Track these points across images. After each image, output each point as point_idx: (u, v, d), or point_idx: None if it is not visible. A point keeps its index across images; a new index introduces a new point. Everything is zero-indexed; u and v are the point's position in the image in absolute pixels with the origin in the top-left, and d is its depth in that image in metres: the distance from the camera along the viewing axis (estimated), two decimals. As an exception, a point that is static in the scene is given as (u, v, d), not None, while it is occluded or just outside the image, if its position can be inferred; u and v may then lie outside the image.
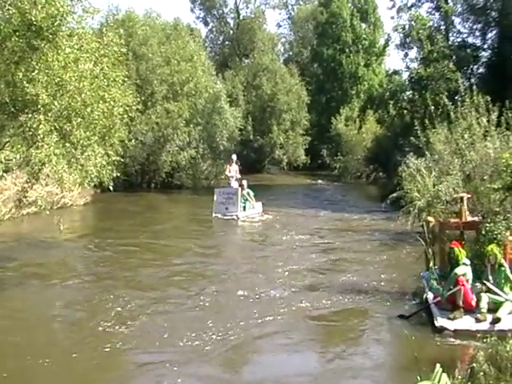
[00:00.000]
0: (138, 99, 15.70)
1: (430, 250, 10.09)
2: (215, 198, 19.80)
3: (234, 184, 20.68)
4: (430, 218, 10.31)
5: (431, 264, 9.91)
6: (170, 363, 7.09)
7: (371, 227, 18.60)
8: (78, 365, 7.13)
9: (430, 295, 9.31)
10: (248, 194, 20.49)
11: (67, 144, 9.77)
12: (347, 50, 46.82)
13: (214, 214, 19.43)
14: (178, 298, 9.88)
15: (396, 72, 30.87)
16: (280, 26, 55.88)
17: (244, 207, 20.13)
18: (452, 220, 10.26)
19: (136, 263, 12.23)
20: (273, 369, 7.36)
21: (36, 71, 9.27)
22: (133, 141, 23.87)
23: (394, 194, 13.37)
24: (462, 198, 10.17)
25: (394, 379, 7.31)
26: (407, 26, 27.07)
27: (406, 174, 12.29)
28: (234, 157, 21.67)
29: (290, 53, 55.15)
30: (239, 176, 21.12)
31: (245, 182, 20.74)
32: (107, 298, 9.71)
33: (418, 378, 4.64)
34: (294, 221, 19.25)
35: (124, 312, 9.02)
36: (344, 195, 29.59)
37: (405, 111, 27.93)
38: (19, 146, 9.62)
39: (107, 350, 7.53)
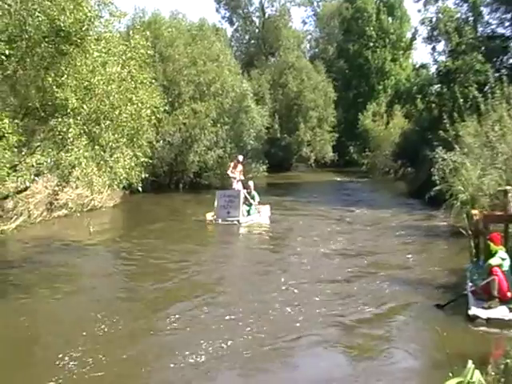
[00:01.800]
0: (166, 100, 15.82)
1: (472, 243, 10.10)
2: (216, 201, 18.25)
3: (237, 186, 19.39)
4: (474, 211, 10.28)
5: (472, 256, 9.95)
6: (202, 367, 7.12)
7: (402, 223, 18.47)
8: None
9: (468, 286, 9.31)
10: (253, 197, 18.87)
11: (96, 147, 9.90)
12: (373, 45, 46.54)
13: (214, 219, 17.92)
14: (201, 303, 9.71)
15: (423, 66, 30.64)
16: (305, 23, 56.06)
17: (248, 211, 18.54)
18: (496, 213, 10.19)
19: (159, 268, 12.05)
20: (307, 371, 7.31)
21: (65, 76, 9.42)
22: (161, 142, 24.10)
23: (438, 187, 13.37)
24: (505, 191, 10.08)
25: (426, 375, 7.26)
26: (434, 19, 26.77)
27: (449, 167, 12.22)
28: (241, 157, 20.34)
29: (316, 50, 54.95)
30: (243, 178, 19.80)
31: (251, 184, 19.25)
32: (134, 300, 9.84)
33: (450, 374, 4.59)
34: (315, 222, 18.51)
35: (153, 316, 9.09)
36: (372, 191, 29.44)
37: (433, 105, 27.60)
38: (50, 150, 9.76)
39: (137, 352, 7.63)
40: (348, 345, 8.00)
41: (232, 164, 20.12)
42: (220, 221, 17.63)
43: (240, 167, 19.70)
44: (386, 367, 7.39)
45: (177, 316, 8.81)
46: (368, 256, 13.31)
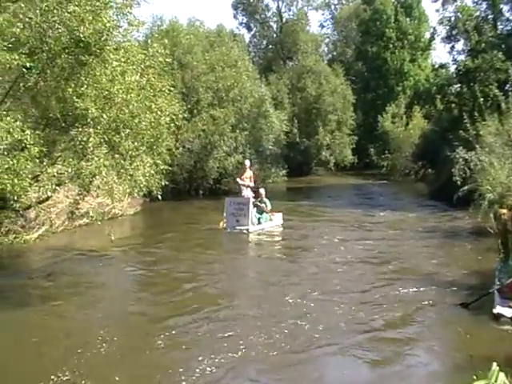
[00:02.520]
0: (184, 107, 15.95)
1: (500, 242, 10.06)
2: (225, 208, 17.62)
3: (247, 193, 18.53)
4: (503, 210, 10.25)
5: (501, 255, 9.91)
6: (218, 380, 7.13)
7: (424, 225, 18.39)
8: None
9: (495, 285, 9.29)
10: (265, 204, 18.23)
11: (116, 155, 10.01)
12: (392, 47, 46.30)
13: (223, 227, 17.36)
14: (213, 315, 9.49)
15: (442, 65, 30.43)
16: (323, 27, 55.55)
17: (259, 219, 17.91)
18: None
19: (170, 279, 11.87)
20: (329, 381, 7.33)
21: (85, 86, 9.54)
22: (180, 149, 24.17)
23: (466, 188, 13.34)
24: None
25: (449, 379, 7.19)
26: (453, 18, 26.64)
27: (476, 167, 12.20)
28: (248, 162, 19.47)
29: (334, 53, 54.81)
30: (252, 184, 18.83)
31: (262, 191, 18.57)
32: (145, 313, 9.88)
33: (474, 377, 4.56)
34: (333, 228, 17.99)
35: (173, 324, 9.10)
36: (392, 193, 29.31)
37: (453, 105, 27.46)
38: (70, 160, 9.86)
39: (162, 356, 7.68)
40: (370, 349, 7.93)
41: (241, 172, 19.36)
42: (229, 229, 17.10)
43: (249, 173, 18.90)
44: (409, 371, 7.36)
45: (188, 329, 8.64)
46: (390, 261, 13.16)
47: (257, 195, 18.36)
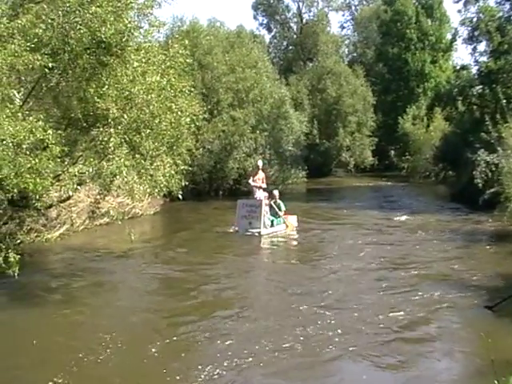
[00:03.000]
0: (205, 108, 15.95)
1: None
2: (237, 211, 17.25)
3: (259, 194, 17.87)
4: None
5: None
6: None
7: (445, 227, 18.20)
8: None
9: None
10: (279, 206, 17.72)
11: (137, 155, 10.06)
12: (413, 48, 45.96)
13: (235, 230, 16.99)
14: (227, 319, 9.45)
15: (464, 67, 30.03)
16: (343, 28, 55.44)
17: (272, 222, 17.35)
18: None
19: (183, 282, 11.76)
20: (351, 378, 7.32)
21: (106, 86, 9.61)
22: (200, 149, 24.21)
23: (492, 190, 13.25)
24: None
25: (470, 383, 7.14)
26: (475, 19, 26.32)
27: (505, 170, 12.12)
28: (260, 163, 18.78)
29: (355, 54, 54.63)
30: (265, 185, 18.17)
31: (276, 193, 18.12)
32: (175, 307, 9.94)
33: (496, 382, 4.51)
34: (351, 231, 17.55)
35: (187, 327, 9.12)
36: (412, 196, 29.09)
37: (474, 107, 27.18)
38: (91, 160, 9.91)
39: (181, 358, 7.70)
40: (390, 353, 7.87)
41: (253, 174, 18.66)
42: (241, 232, 16.69)
43: (261, 174, 18.25)
44: (429, 375, 7.30)
45: (203, 333, 8.59)
46: (410, 264, 12.99)
47: (270, 197, 17.88)
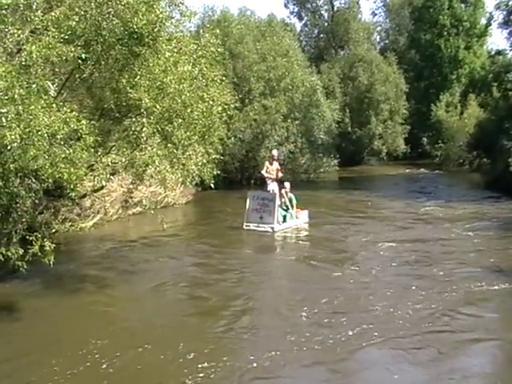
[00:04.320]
0: (236, 97, 15.95)
1: None
2: (248, 203, 16.09)
3: (273, 186, 16.70)
4: None
5: None
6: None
7: (481, 216, 17.98)
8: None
9: None
10: (290, 200, 16.60)
11: (169, 145, 10.12)
12: (446, 34, 45.27)
13: (245, 224, 15.90)
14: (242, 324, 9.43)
15: (499, 52, 29.56)
16: (375, 15, 54.58)
17: (284, 217, 16.32)
18: None
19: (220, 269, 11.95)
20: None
21: (138, 76, 9.67)
22: (232, 138, 24.25)
23: None
24: None
25: (506, 375, 7.07)
26: (511, 3, 25.79)
27: None
28: (275, 152, 17.90)
29: (386, 41, 53.88)
30: (280, 175, 17.09)
31: (287, 185, 16.82)
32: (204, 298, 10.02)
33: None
34: (379, 225, 16.61)
35: (227, 316, 9.21)
36: (446, 184, 28.77)
37: (510, 92, 26.68)
38: (124, 149, 10.02)
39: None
40: (422, 349, 7.80)
41: (267, 162, 17.44)
42: (251, 226, 15.75)
43: (276, 164, 17.10)
44: (460, 365, 7.25)
45: (223, 333, 8.47)
46: (445, 255, 12.77)
47: (280, 189, 16.67)
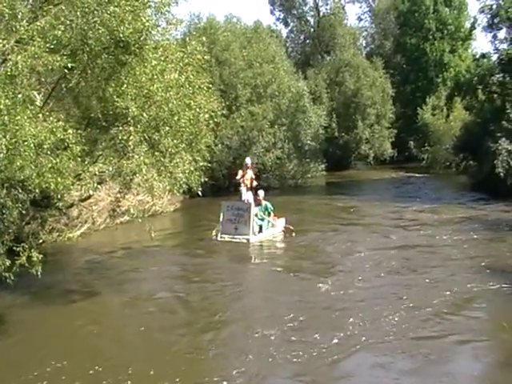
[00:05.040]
0: (223, 104, 15.90)
1: None
2: (222, 213, 15.50)
3: (247, 196, 16.09)
4: None
5: None
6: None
7: (468, 217, 18.10)
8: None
9: None
10: (266, 208, 15.98)
11: (156, 153, 10.10)
12: (431, 38, 45.70)
13: (219, 236, 15.29)
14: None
15: (484, 55, 29.67)
16: (361, 20, 54.90)
17: (260, 227, 15.65)
18: None
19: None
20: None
21: (125, 85, 9.63)
22: (219, 145, 24.19)
23: None
24: None
25: (491, 377, 7.10)
26: (495, 6, 26.00)
27: None
28: (248, 160, 16.98)
29: (372, 46, 54.17)
30: (255, 184, 16.41)
31: (261, 193, 16.17)
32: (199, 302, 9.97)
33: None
34: (364, 232, 16.33)
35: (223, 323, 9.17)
36: (433, 187, 28.97)
37: (495, 95, 26.90)
38: (111, 158, 9.97)
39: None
40: (413, 351, 7.86)
41: (240, 171, 16.51)
42: (226, 237, 15.11)
43: (250, 173, 16.42)
44: (450, 368, 7.28)
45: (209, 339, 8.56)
46: (429, 266, 12.56)
47: (255, 198, 16.11)
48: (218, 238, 15.21)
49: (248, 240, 15.01)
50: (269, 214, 16.09)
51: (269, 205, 16.09)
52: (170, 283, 11.87)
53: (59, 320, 9.26)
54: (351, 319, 8.96)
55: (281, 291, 10.91)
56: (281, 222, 16.42)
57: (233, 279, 12.07)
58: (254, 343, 8.24)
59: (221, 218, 15.49)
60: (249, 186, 16.22)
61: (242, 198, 16.14)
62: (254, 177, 16.43)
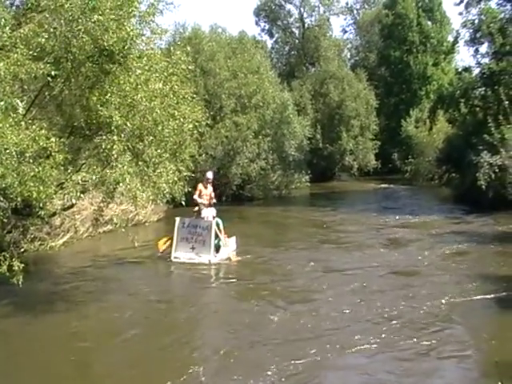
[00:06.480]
0: (207, 114, 15.90)
1: None
2: (176, 231, 14.06)
3: (207, 213, 14.39)
4: None
5: None
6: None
7: (449, 229, 18.19)
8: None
9: None
10: (217, 225, 14.19)
11: (140, 162, 10.09)
12: (415, 51, 46.20)
13: (173, 256, 13.83)
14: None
15: (466, 69, 29.98)
16: (346, 32, 55.54)
17: (217, 247, 14.04)
18: None
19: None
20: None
21: (109, 94, 9.62)
22: (203, 155, 24.23)
23: None
24: None
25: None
26: (477, 21, 26.33)
27: None
28: (210, 174, 14.95)
29: (357, 58, 54.70)
30: (215, 201, 14.81)
31: (213, 210, 14.65)
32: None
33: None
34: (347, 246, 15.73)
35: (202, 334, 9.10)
36: (416, 198, 29.15)
37: (477, 109, 27.15)
38: (95, 167, 9.95)
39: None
40: (393, 359, 7.87)
41: (200, 185, 14.70)
42: (182, 258, 13.74)
43: (210, 188, 14.74)
44: (431, 378, 7.28)
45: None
46: (414, 271, 12.78)
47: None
48: (172, 259, 13.80)
49: (210, 261, 13.58)
50: (220, 232, 14.28)
51: (220, 222, 14.38)
52: (153, 292, 11.60)
53: (39, 329, 9.14)
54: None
55: (235, 322, 9.59)
56: (232, 241, 14.69)
57: (189, 307, 10.80)
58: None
59: (175, 236, 14.02)
60: (207, 202, 14.55)
61: (202, 215, 14.44)
62: (213, 194, 14.77)
